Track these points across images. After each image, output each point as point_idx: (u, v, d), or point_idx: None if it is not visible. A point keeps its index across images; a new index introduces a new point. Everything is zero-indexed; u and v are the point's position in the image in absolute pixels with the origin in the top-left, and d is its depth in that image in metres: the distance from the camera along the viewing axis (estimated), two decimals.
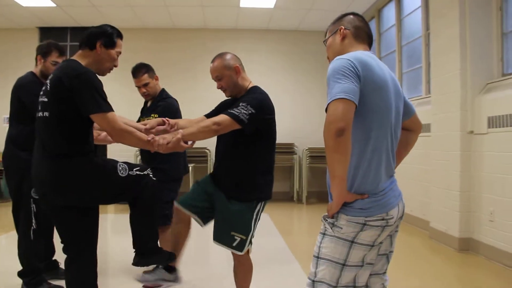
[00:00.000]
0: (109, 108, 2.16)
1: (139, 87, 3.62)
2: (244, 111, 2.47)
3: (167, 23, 8.74)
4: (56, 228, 2.35)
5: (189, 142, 2.46)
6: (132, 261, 2.53)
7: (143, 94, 3.65)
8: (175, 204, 2.80)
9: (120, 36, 2.39)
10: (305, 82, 9.15)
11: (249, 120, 2.47)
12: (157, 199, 2.46)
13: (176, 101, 3.70)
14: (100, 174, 2.22)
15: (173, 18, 8.43)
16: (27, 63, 8.52)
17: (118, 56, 2.39)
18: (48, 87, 2.19)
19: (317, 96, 9.02)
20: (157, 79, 3.67)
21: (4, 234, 5.63)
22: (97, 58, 2.30)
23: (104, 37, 2.30)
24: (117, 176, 2.23)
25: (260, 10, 7.96)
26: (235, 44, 8.88)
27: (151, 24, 8.74)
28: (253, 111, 2.49)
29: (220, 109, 2.79)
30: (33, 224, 3.25)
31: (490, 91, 4.54)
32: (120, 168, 2.26)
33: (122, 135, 2.22)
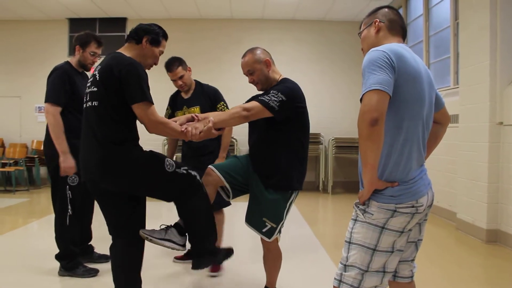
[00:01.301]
0: (151, 100, 2.25)
1: (174, 80, 3.69)
2: (275, 98, 2.50)
3: (194, 14, 8.84)
4: (104, 213, 2.44)
5: (221, 129, 2.51)
6: (191, 265, 2.58)
7: (180, 87, 3.72)
8: (210, 167, 2.72)
9: (165, 36, 2.50)
10: (331, 73, 9.14)
11: (280, 107, 2.50)
12: (209, 200, 2.51)
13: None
14: (148, 162, 2.30)
15: (200, 9, 8.52)
16: (55, 53, 8.88)
17: (160, 55, 2.49)
18: (98, 77, 2.26)
19: (343, 86, 9.02)
20: (190, 70, 3.75)
21: (42, 218, 5.86)
22: (141, 53, 2.40)
23: (152, 34, 2.41)
24: (164, 169, 2.31)
25: (287, 0, 7.97)
26: (260, 34, 8.92)
27: (178, 14, 8.86)
28: (283, 98, 2.52)
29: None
30: (69, 210, 3.40)
31: None
32: (168, 163, 2.33)
33: (157, 127, 2.30)
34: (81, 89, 3.27)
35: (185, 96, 3.79)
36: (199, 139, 2.44)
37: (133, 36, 2.41)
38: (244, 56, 2.76)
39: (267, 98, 2.51)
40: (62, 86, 3.34)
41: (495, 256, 4.31)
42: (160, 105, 2.35)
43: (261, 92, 2.85)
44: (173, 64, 3.65)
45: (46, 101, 3.32)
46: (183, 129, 2.38)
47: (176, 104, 3.82)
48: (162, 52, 2.51)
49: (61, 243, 3.45)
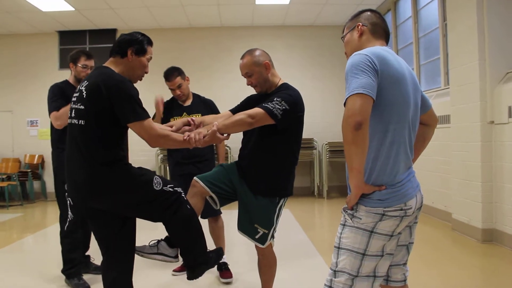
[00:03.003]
0: (146, 115, 2.20)
1: (173, 89, 3.80)
2: (278, 106, 2.48)
3: (184, 23, 8.85)
4: (92, 229, 2.40)
5: (225, 134, 2.48)
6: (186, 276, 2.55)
7: (178, 96, 3.82)
8: (194, 178, 2.70)
9: (150, 43, 2.40)
10: (322, 77, 9.17)
11: (282, 116, 2.49)
12: (194, 214, 2.47)
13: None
14: (136, 183, 2.24)
15: (189, 18, 8.52)
16: (46, 66, 8.88)
17: (149, 61, 2.41)
18: (84, 94, 2.18)
19: (335, 90, 9.04)
20: (188, 80, 3.87)
21: (36, 232, 5.82)
22: (129, 66, 2.31)
23: (135, 45, 2.31)
24: (152, 188, 2.26)
25: (276, 6, 8.00)
26: (251, 41, 8.90)
27: (168, 24, 8.87)
28: (287, 107, 2.51)
29: (247, 104, 2.80)
30: (69, 216, 3.47)
31: (510, 80, 4.50)
32: (156, 181, 2.28)
33: (158, 141, 2.28)
34: None
35: (184, 103, 3.88)
36: (203, 144, 2.41)
37: (116, 50, 2.30)
38: (242, 57, 2.72)
39: (271, 105, 2.49)
40: (58, 97, 3.48)
41: (492, 255, 4.30)
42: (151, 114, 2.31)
43: (255, 94, 2.85)
44: (172, 74, 3.76)
45: (49, 113, 3.48)
46: (185, 138, 2.35)
47: (172, 110, 3.83)
48: (150, 59, 2.42)
49: (62, 248, 3.54)
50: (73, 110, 2.24)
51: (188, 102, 3.88)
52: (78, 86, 2.31)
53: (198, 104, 3.88)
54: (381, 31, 1.96)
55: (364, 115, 1.60)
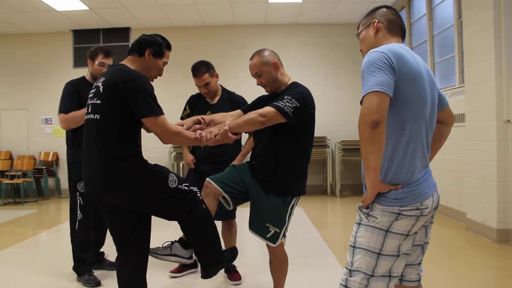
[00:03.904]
0: (161, 112, 2.23)
1: (199, 86, 3.58)
2: (289, 104, 2.48)
3: (197, 21, 8.86)
4: (108, 225, 2.42)
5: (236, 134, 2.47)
6: (200, 275, 2.57)
7: (204, 94, 3.60)
8: (207, 179, 2.69)
9: (169, 47, 2.47)
10: (335, 76, 9.12)
11: (294, 114, 2.48)
12: (209, 214, 2.48)
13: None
14: (152, 179, 2.27)
15: (202, 16, 8.53)
16: (60, 65, 8.96)
17: (164, 66, 2.47)
18: (101, 89, 2.22)
19: (348, 88, 8.99)
20: (217, 76, 3.64)
21: (51, 228, 5.90)
22: (145, 65, 2.37)
23: (154, 46, 2.37)
24: (167, 185, 2.29)
25: (289, 4, 7.97)
26: (264, 39, 8.91)
27: (181, 23, 8.89)
28: (297, 104, 2.50)
29: (258, 104, 2.79)
30: (78, 215, 3.49)
31: None
32: (171, 179, 2.31)
33: (170, 138, 2.30)
34: None
35: (211, 101, 3.66)
36: (214, 143, 2.41)
37: (135, 49, 2.38)
38: (251, 58, 2.73)
39: (282, 104, 2.49)
40: (70, 98, 3.50)
41: (507, 256, 4.24)
42: (167, 114, 2.32)
43: (266, 94, 2.85)
44: (199, 69, 3.52)
45: (59, 112, 3.50)
46: (197, 136, 2.36)
47: (198, 107, 3.67)
48: (166, 63, 2.48)
49: (72, 247, 3.56)
50: (90, 106, 2.28)
51: (215, 100, 3.64)
52: (95, 83, 2.35)
53: (225, 103, 3.60)
54: (397, 28, 1.93)
55: (381, 113, 1.59)
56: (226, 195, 2.68)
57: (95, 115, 2.22)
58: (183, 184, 2.36)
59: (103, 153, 2.18)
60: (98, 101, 2.22)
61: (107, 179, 2.19)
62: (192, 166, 3.62)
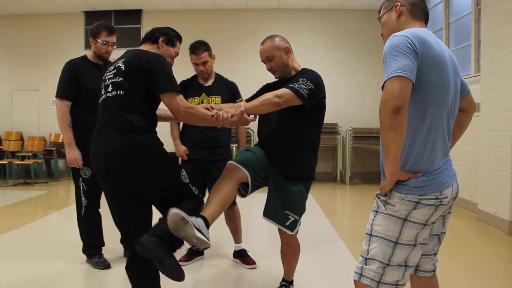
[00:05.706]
0: (179, 90, 2.26)
1: (197, 64, 3.54)
2: (304, 86, 2.46)
3: (209, 4, 8.77)
4: (112, 215, 2.39)
5: (251, 116, 2.42)
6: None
7: (201, 72, 3.56)
8: (232, 163, 2.54)
9: (179, 39, 2.56)
10: (348, 62, 9.02)
11: (309, 96, 2.46)
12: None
13: None
14: (167, 163, 2.27)
15: None
16: (71, 46, 8.94)
17: (175, 56, 2.55)
18: (123, 68, 2.26)
19: (360, 76, 8.91)
20: (214, 58, 3.62)
21: (61, 209, 5.93)
22: (158, 52, 2.40)
23: (167, 35, 2.48)
24: (180, 177, 2.30)
25: None
26: (277, 24, 8.83)
27: (193, 5, 8.79)
28: (312, 86, 2.48)
29: (265, 91, 2.70)
30: (83, 201, 3.49)
31: None
32: (183, 174, 2.33)
33: (188, 113, 2.27)
34: (95, 81, 3.12)
35: (205, 83, 3.63)
36: (231, 124, 2.39)
37: (149, 36, 2.47)
38: (263, 42, 2.71)
39: (297, 86, 2.46)
40: (67, 81, 3.43)
41: None
42: None
43: (273, 81, 2.82)
44: (199, 47, 3.51)
45: (55, 96, 3.46)
46: (213, 114, 2.33)
47: (191, 89, 3.61)
48: (177, 54, 2.56)
49: (79, 232, 3.57)
50: (110, 85, 2.28)
51: (209, 82, 3.63)
52: (113, 63, 2.36)
53: (220, 86, 3.62)
54: (420, 11, 1.88)
55: (403, 99, 1.54)
56: (250, 181, 2.55)
57: (118, 91, 2.24)
58: (193, 187, 2.38)
59: (125, 125, 2.17)
60: (121, 79, 2.25)
61: (125, 151, 2.15)
62: (185, 157, 3.56)
